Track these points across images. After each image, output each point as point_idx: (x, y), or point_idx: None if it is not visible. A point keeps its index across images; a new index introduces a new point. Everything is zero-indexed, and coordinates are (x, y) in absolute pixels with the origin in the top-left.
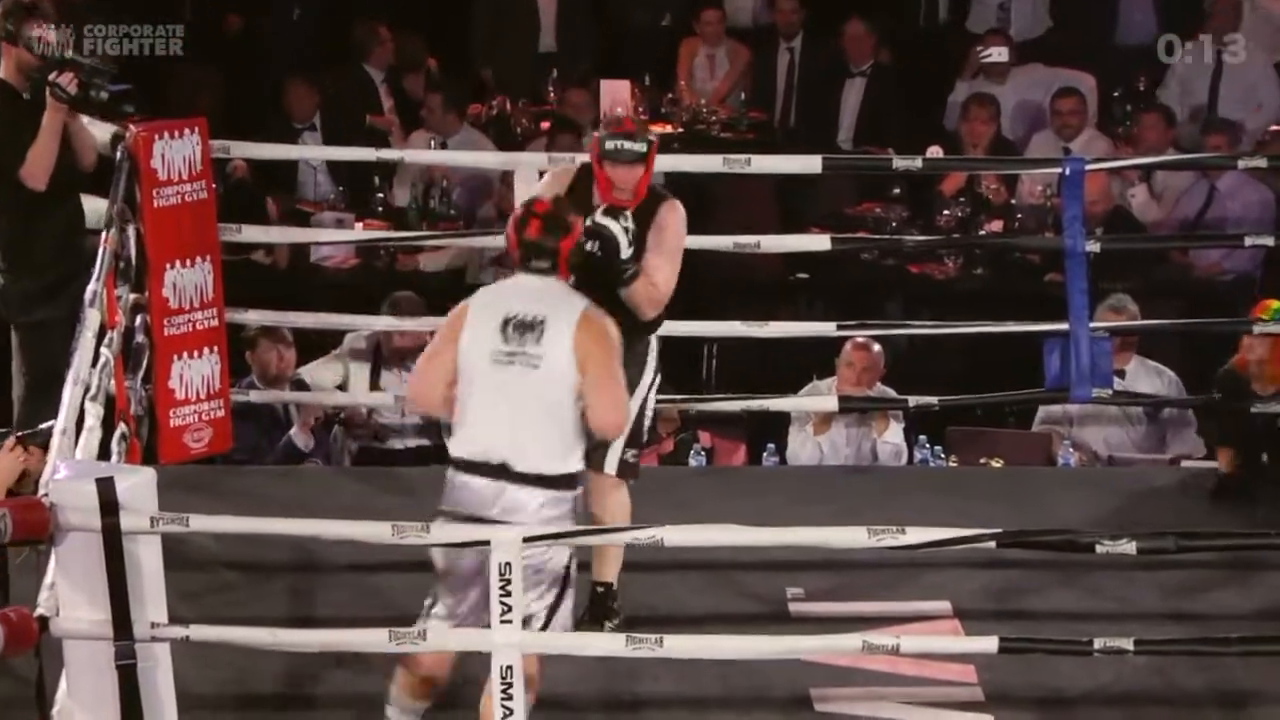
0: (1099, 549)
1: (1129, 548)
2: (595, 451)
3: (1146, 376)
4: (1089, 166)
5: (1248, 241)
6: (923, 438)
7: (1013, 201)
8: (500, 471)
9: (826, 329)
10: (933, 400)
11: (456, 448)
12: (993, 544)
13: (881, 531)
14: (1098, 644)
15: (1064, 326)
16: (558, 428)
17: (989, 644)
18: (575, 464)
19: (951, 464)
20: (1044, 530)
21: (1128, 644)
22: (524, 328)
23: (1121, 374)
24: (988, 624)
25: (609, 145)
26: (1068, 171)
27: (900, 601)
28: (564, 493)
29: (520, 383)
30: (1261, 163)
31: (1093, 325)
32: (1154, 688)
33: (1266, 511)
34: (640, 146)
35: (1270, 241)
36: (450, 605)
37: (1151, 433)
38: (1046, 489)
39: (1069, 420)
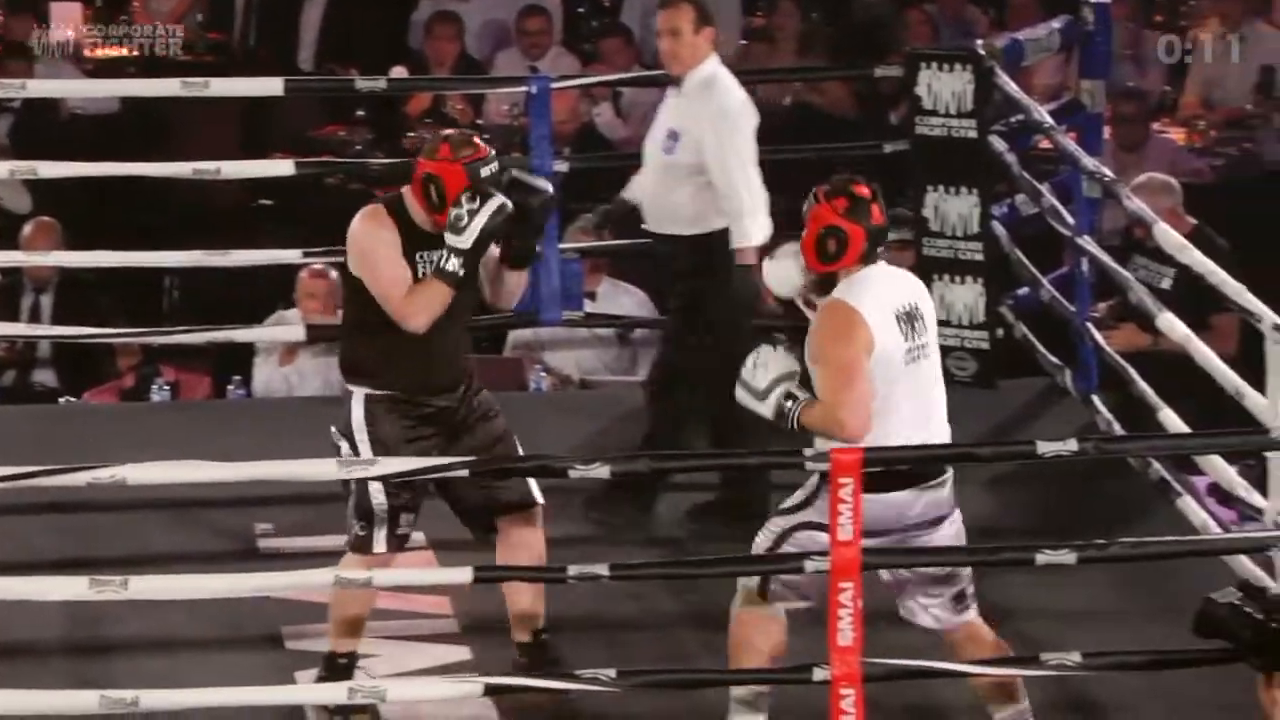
0: (572, 474)
1: (603, 471)
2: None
3: (618, 298)
4: (555, 85)
5: None
6: None
7: (480, 121)
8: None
9: (291, 256)
10: None
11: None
12: (466, 472)
13: (352, 463)
14: (572, 570)
15: None
16: None
17: (463, 574)
18: None
19: None
20: (518, 456)
21: (603, 569)
22: (911, 319)
23: (593, 296)
24: (462, 554)
25: (485, 173)
26: (534, 90)
27: None
28: None
29: (928, 374)
30: None
31: (562, 247)
32: (630, 612)
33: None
34: (496, 163)
35: None
36: None
37: (623, 354)
38: (521, 414)
39: (540, 344)
